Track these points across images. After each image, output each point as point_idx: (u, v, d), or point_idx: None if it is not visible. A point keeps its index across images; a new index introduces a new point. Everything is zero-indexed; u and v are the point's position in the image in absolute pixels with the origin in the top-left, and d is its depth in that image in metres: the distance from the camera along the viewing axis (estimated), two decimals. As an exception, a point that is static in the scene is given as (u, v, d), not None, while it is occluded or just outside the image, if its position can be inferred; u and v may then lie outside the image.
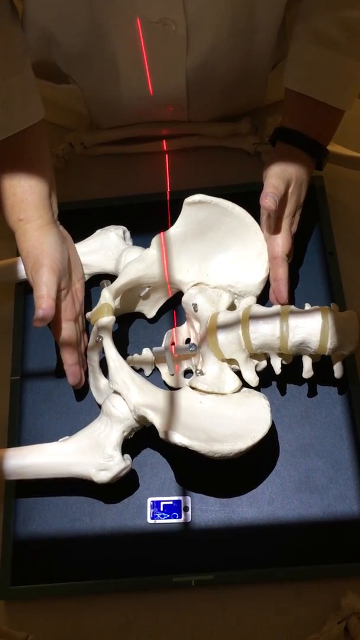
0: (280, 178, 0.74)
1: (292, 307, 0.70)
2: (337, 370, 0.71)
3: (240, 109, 0.93)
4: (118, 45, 0.80)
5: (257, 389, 0.72)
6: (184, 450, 0.64)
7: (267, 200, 0.72)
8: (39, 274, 0.72)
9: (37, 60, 0.86)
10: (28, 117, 0.74)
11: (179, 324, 0.80)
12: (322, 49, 0.74)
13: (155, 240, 0.77)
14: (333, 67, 0.75)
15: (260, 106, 0.95)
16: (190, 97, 0.88)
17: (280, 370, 0.71)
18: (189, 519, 0.70)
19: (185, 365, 0.76)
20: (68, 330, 0.75)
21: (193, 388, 0.71)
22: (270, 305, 0.74)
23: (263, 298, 0.77)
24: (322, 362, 0.71)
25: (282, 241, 0.75)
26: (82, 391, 0.77)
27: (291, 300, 0.78)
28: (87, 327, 0.79)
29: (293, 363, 0.72)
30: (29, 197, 0.74)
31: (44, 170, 0.76)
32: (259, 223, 0.76)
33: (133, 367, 0.74)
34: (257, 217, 0.76)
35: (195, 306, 0.74)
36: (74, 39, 0.82)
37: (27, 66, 0.74)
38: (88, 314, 0.76)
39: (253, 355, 0.71)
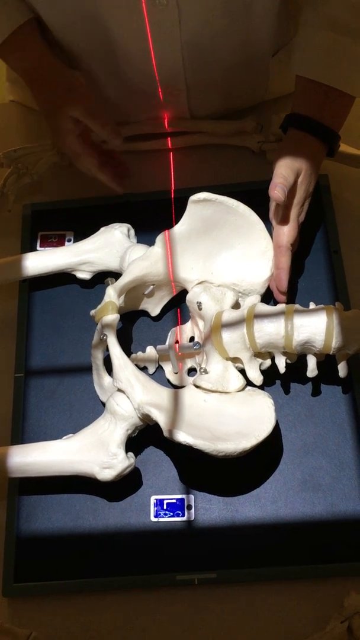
0: (289, 168, 0.73)
1: (297, 306, 0.70)
2: (342, 369, 0.70)
3: (243, 101, 0.93)
4: (115, 23, 0.80)
5: (261, 387, 0.72)
6: (188, 449, 0.64)
7: (276, 191, 0.72)
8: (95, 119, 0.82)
9: None
10: (23, 14, 0.82)
11: (183, 322, 0.80)
12: (334, 35, 0.74)
13: (159, 238, 0.76)
14: (345, 53, 0.75)
15: (263, 100, 0.94)
16: (188, 77, 0.86)
17: (284, 369, 0.71)
18: (192, 517, 0.70)
19: (189, 363, 0.76)
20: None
21: (197, 386, 0.70)
22: (275, 303, 0.74)
23: (267, 296, 0.77)
24: (327, 361, 0.71)
25: (288, 230, 0.75)
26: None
27: (293, 298, 0.78)
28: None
29: (297, 362, 0.72)
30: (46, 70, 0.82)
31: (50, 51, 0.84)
32: (267, 213, 0.76)
33: (137, 365, 0.74)
34: (262, 215, 0.76)
35: (199, 304, 0.74)
36: (70, 27, 0.82)
37: None
38: (92, 312, 0.76)
39: (257, 354, 0.71)
